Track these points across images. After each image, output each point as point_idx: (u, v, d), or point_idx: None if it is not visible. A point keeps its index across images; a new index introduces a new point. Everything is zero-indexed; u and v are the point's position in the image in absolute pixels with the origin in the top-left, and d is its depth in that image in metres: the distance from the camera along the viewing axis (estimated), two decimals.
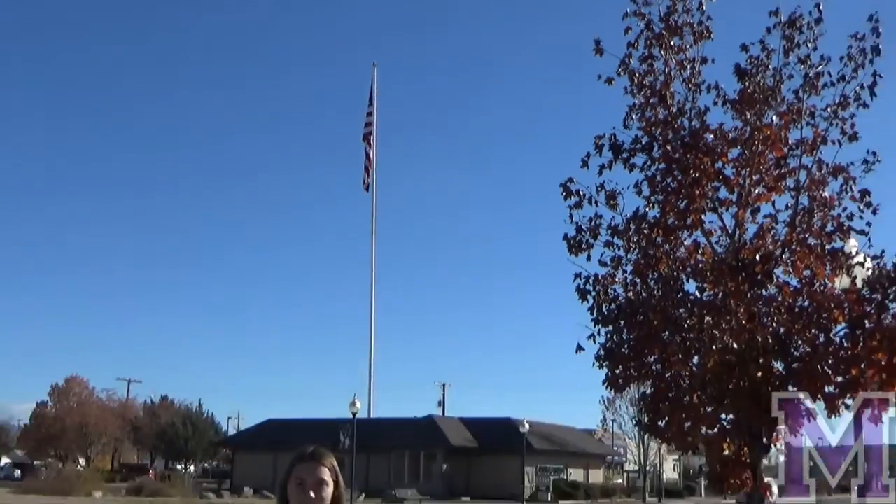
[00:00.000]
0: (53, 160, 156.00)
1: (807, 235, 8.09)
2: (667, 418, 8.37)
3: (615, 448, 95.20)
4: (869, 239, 8.19)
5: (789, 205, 8.27)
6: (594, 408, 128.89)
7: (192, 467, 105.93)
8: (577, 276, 8.46)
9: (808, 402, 7.98)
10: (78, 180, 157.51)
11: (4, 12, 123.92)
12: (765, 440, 8.27)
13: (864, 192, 8.12)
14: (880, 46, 8.04)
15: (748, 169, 8.17)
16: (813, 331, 7.87)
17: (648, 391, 8.61)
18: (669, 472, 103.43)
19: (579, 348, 8.50)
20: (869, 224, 8.14)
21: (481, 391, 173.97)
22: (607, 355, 8.38)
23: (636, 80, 8.38)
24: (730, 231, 8.30)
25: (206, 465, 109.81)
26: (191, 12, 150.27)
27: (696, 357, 8.09)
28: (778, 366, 8.01)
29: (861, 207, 8.12)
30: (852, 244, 8.17)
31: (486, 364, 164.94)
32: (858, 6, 8.31)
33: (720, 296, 7.89)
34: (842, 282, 8.25)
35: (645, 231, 8.27)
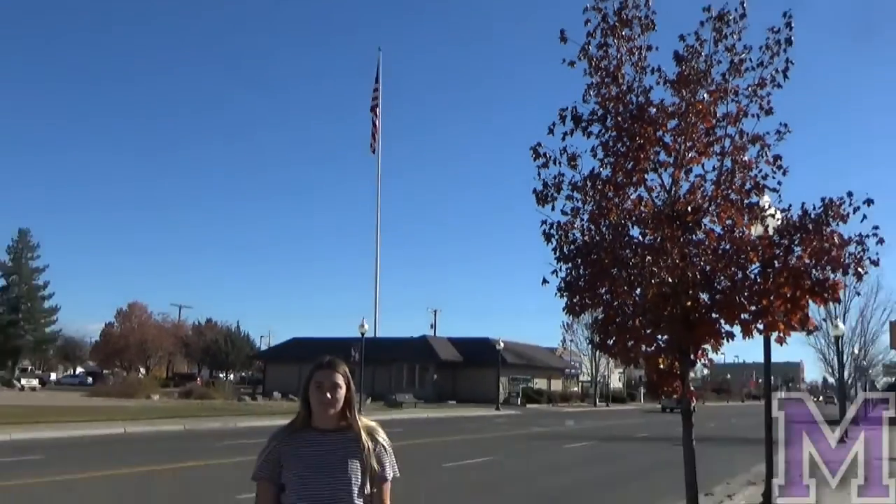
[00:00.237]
0: (139, 102, 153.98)
1: (729, 192, 8.19)
2: (614, 338, 8.51)
3: (572, 362, 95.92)
4: (779, 195, 8.36)
5: (716, 167, 8.35)
6: (556, 330, 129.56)
7: (231, 376, 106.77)
8: (544, 222, 8.56)
9: (728, 327, 8.14)
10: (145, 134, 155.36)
11: None
12: (692, 356, 8.43)
13: (777, 157, 8.24)
14: (792, 38, 8.13)
15: (683, 137, 8.25)
16: (732, 269, 7.99)
17: (600, 317, 8.66)
18: (615, 382, 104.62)
19: (544, 281, 8.60)
20: (780, 183, 8.30)
21: (466, 315, 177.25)
22: (567, 287, 8.52)
23: (593, 64, 8.40)
24: (667, 188, 8.38)
25: (242, 374, 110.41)
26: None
27: (638, 289, 8.18)
28: (704, 297, 8.13)
29: (774, 170, 8.24)
30: (766, 199, 8.31)
31: (470, 293, 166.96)
32: (776, 4, 8.43)
33: (658, 240, 8.01)
34: (756, 230, 8.42)
35: (599, 187, 8.34)
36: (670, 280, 7.83)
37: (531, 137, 8.77)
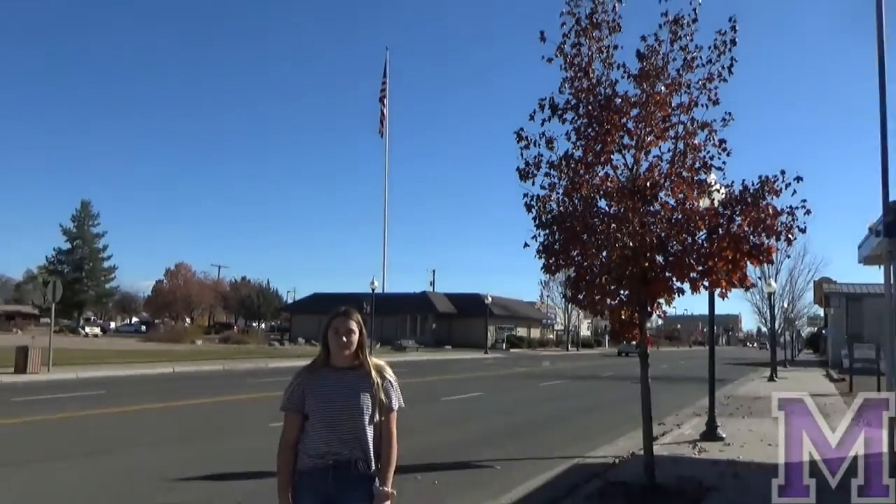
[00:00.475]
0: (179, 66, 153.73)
1: (682, 170, 8.20)
2: (584, 293, 8.53)
3: (548, 314, 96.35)
4: (724, 173, 8.37)
5: (671, 149, 8.33)
6: (535, 286, 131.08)
7: (262, 325, 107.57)
8: (525, 195, 8.56)
9: (679, 284, 8.18)
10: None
11: None
12: (649, 309, 8.48)
13: (722, 141, 8.25)
14: (736, 39, 8.10)
15: (643, 124, 8.23)
16: (683, 235, 8.01)
17: (572, 275, 8.68)
18: (584, 330, 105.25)
19: (526, 245, 8.65)
20: (724, 163, 8.31)
21: (460, 273, 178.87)
22: (544, 250, 8.54)
23: (568, 60, 8.35)
24: (630, 166, 8.38)
25: (272, 323, 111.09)
26: None
27: (604, 252, 8.20)
28: (659, 258, 8.15)
29: (719, 151, 8.25)
30: (712, 177, 8.32)
31: (464, 254, 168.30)
32: (723, 10, 8.37)
33: (622, 210, 8.02)
34: (704, 202, 8.44)
35: (572, 166, 8.33)
36: (631, 244, 7.87)
37: (515, 122, 8.75)
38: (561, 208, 8.48)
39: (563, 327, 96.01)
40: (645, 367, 8.58)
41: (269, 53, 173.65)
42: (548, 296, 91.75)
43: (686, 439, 13.22)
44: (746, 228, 7.87)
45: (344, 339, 3.64)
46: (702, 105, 8.28)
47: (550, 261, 8.56)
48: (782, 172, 7.87)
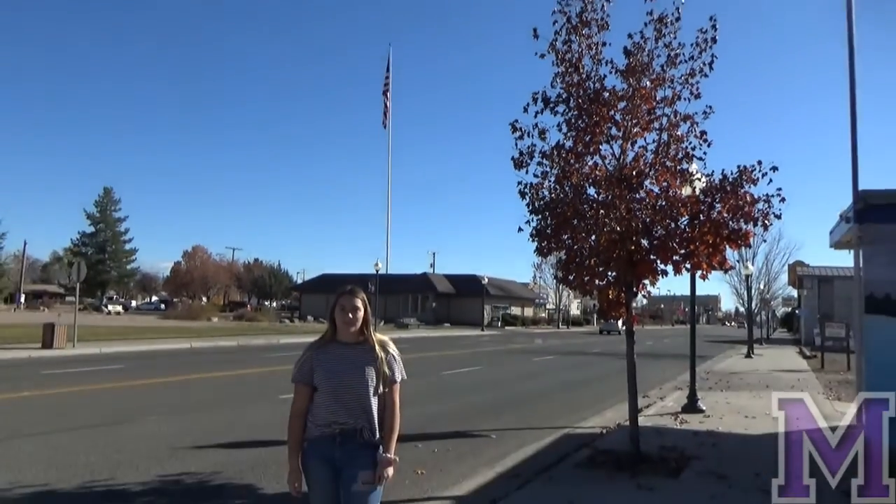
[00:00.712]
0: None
1: (665, 160, 8.18)
2: (574, 275, 8.52)
3: (541, 294, 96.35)
4: (705, 163, 8.36)
5: (655, 140, 8.32)
6: (529, 268, 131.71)
7: (274, 303, 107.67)
8: (519, 183, 8.54)
9: (662, 266, 8.17)
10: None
11: None
12: (634, 289, 8.48)
13: (703, 132, 8.22)
14: (716, 37, 8.07)
15: (630, 116, 8.20)
16: (667, 221, 8.00)
17: (563, 257, 8.66)
18: (574, 309, 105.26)
19: (519, 229, 8.63)
20: (705, 153, 8.29)
21: (459, 255, 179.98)
22: (537, 234, 8.54)
23: (559, 56, 8.31)
24: (617, 156, 8.36)
25: (283, 302, 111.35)
26: None
27: (593, 236, 8.20)
28: (644, 242, 8.14)
29: (700, 143, 8.23)
30: (694, 166, 8.31)
31: (462, 237, 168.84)
32: (704, 10, 8.33)
33: (609, 197, 8.00)
34: (686, 190, 8.44)
35: (563, 155, 8.31)
36: (618, 229, 7.86)
37: (510, 114, 8.73)
38: (553, 195, 8.46)
39: (554, 307, 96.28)
40: (631, 344, 8.61)
41: (283, 48, 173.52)
42: (540, 277, 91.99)
43: (669, 411, 13.29)
44: (726, 215, 7.87)
45: (350, 315, 3.67)
46: (684, 99, 8.26)
47: (543, 244, 8.56)
48: (759, 162, 7.89)
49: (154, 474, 7.69)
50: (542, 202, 8.49)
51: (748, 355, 32.97)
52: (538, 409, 13.89)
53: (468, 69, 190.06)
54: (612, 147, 8.40)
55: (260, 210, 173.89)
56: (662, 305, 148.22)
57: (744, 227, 7.91)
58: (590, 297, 10.45)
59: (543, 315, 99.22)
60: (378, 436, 3.68)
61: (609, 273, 8.42)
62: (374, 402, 3.68)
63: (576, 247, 8.45)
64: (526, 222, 8.62)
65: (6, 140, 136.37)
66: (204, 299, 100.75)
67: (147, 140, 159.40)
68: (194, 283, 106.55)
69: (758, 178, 7.86)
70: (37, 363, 20.95)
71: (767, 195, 7.82)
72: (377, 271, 53.22)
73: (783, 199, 7.84)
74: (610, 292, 8.53)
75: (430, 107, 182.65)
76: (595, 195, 8.36)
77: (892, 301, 7.32)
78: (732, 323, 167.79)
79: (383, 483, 3.65)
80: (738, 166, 7.93)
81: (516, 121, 8.43)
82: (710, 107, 8.28)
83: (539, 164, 8.47)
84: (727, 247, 8.05)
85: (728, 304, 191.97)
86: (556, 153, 8.35)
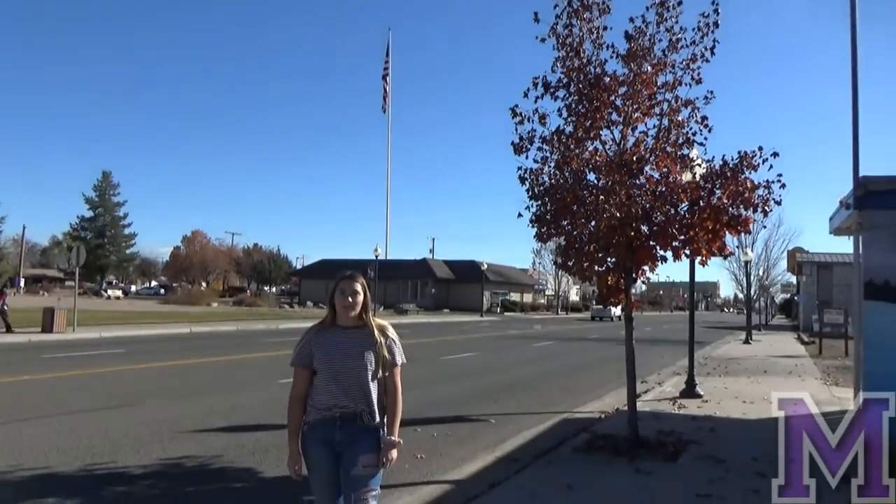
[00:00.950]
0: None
1: (666, 145, 8.15)
2: (573, 260, 8.52)
3: (540, 280, 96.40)
4: (705, 148, 8.34)
5: (656, 125, 8.28)
6: (528, 254, 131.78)
7: (273, 289, 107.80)
8: (519, 168, 8.51)
9: (662, 252, 8.17)
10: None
11: None
12: (634, 275, 8.48)
13: (704, 118, 8.19)
14: (718, 22, 8.03)
15: (631, 101, 8.16)
16: (667, 206, 8.00)
17: (562, 243, 8.65)
18: (573, 295, 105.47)
19: (519, 215, 8.61)
20: (706, 139, 8.26)
21: (458, 240, 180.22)
22: (537, 220, 8.53)
23: (560, 41, 8.27)
24: (617, 141, 8.32)
25: (282, 287, 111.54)
26: None
27: (593, 222, 8.19)
28: (644, 228, 8.13)
29: (701, 128, 8.20)
30: (694, 152, 8.29)
31: (461, 223, 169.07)
32: None
33: (609, 183, 7.98)
34: (686, 176, 8.39)
35: (563, 140, 8.28)
36: (618, 215, 7.85)
37: (509, 99, 8.69)
38: (552, 181, 8.43)
39: (553, 292, 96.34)
40: (630, 330, 8.62)
41: (282, 31, 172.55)
42: (539, 263, 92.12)
43: (667, 396, 13.33)
44: (726, 201, 7.86)
45: (349, 299, 3.68)
46: (686, 84, 8.22)
47: (542, 230, 8.55)
48: (760, 148, 7.86)
49: (155, 457, 7.73)
50: (541, 188, 8.46)
51: (747, 341, 33.02)
52: (537, 393, 13.93)
53: (468, 54, 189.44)
54: (612, 132, 8.37)
55: (259, 195, 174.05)
56: (661, 292, 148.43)
57: (744, 213, 7.90)
58: (589, 282, 10.47)
59: (543, 301, 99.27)
60: (378, 419, 3.70)
61: (608, 259, 8.42)
62: (374, 386, 3.69)
63: (575, 232, 8.43)
64: (526, 208, 8.61)
65: (5, 124, 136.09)
66: (203, 284, 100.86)
67: (146, 124, 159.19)
68: (194, 267, 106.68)
69: (758, 164, 7.84)
70: (37, 347, 20.99)
71: (768, 181, 7.82)
72: (377, 257, 53.37)
73: (783, 186, 7.84)
74: (609, 278, 8.54)
75: (430, 92, 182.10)
76: (595, 181, 8.33)
77: (892, 287, 7.32)
78: (731, 309, 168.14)
79: (388, 466, 3.67)
80: (739, 152, 7.92)
81: (516, 106, 8.40)
82: (712, 92, 8.26)
83: (539, 149, 8.44)
84: (727, 233, 8.05)
85: (727, 290, 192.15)
86: (556, 138, 8.32)
